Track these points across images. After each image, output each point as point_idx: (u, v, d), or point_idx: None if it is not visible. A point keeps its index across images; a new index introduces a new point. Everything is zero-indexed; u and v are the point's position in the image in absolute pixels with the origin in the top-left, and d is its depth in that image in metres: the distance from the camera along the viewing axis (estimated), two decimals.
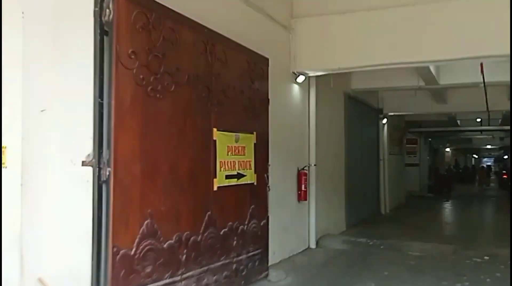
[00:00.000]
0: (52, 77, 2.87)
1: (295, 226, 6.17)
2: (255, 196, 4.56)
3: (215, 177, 3.92)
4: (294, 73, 6.19)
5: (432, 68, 7.43)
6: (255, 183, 4.57)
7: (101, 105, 2.96)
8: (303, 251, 6.36)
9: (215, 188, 3.91)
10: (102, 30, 3.01)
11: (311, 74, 6.36)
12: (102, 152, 2.95)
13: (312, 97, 6.69)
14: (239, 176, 4.29)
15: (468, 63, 6.45)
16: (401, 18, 5.48)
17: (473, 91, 9.15)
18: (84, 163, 2.95)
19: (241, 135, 4.33)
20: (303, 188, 6.20)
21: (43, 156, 2.79)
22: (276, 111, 5.37)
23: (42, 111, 2.85)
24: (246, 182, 4.41)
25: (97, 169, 2.93)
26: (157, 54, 3.32)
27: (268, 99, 4.93)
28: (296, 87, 6.30)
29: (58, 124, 2.87)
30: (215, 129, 3.95)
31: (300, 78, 6.28)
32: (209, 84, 3.90)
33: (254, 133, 4.60)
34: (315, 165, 6.59)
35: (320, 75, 6.54)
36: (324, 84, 7.06)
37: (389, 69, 7.91)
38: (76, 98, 2.97)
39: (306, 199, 6.28)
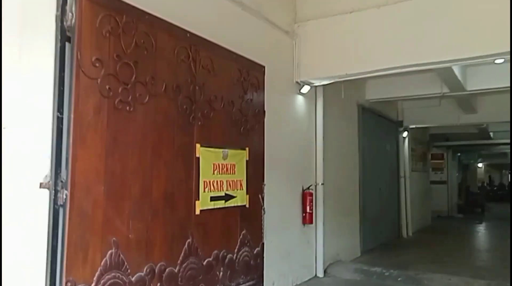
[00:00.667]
0: (17, 91, 2.73)
1: (300, 252, 5.91)
2: (247, 220, 4.33)
3: (198, 199, 3.72)
4: (298, 83, 5.99)
5: (457, 71, 6.90)
6: (247, 205, 4.35)
7: (60, 120, 2.81)
8: (308, 280, 6.08)
9: (197, 212, 3.71)
10: (63, 36, 2.87)
11: (316, 83, 6.14)
12: (60, 172, 2.78)
13: (319, 109, 6.47)
14: (227, 197, 4.08)
15: (501, 62, 5.63)
16: (417, 11, 5.12)
17: (507, 97, 8.54)
18: (42, 185, 2.79)
19: (230, 151, 4.13)
20: (308, 210, 5.94)
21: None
22: (276, 125, 5.20)
23: (3, 128, 2.71)
24: (236, 205, 4.19)
25: (53, 191, 2.76)
26: (128, 62, 3.17)
27: (264, 111, 4.73)
28: (300, 99, 6.10)
29: (19, 142, 2.72)
30: (198, 145, 3.76)
31: (305, 88, 6.08)
32: (191, 94, 3.72)
33: (247, 149, 4.40)
34: (322, 184, 6.34)
35: (328, 85, 6.31)
36: (334, 94, 6.86)
37: (407, 76, 7.67)
38: (38, 113, 2.81)
39: (312, 222, 6.01)
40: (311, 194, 6.01)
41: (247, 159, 4.40)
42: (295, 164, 5.83)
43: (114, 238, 3.00)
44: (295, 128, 5.90)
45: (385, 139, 9.89)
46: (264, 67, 4.75)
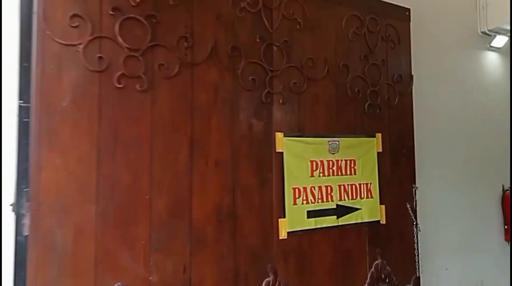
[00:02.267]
0: None
1: (502, 283, 3.83)
2: (383, 244, 2.73)
3: (282, 216, 2.35)
4: (485, 33, 3.93)
5: None
6: (382, 221, 2.73)
7: (24, 110, 1.86)
8: None
9: (282, 235, 2.34)
10: None
11: None
12: (24, 188, 1.83)
13: None
14: (342, 211, 2.58)
15: None
16: None
17: None
18: (13, 208, 1.89)
19: (343, 140, 2.62)
20: None
21: None
22: (443, 96, 3.46)
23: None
24: (360, 221, 2.64)
25: (15, 216, 1.82)
26: (136, 17, 2.04)
27: (411, 77, 3.00)
28: (491, 57, 4.03)
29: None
30: (279, 135, 2.39)
31: (499, 40, 4.01)
32: (264, 59, 2.39)
33: (378, 135, 2.78)
34: None
35: None
36: None
37: None
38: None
39: None
40: None
41: (380, 150, 2.77)
42: (483, 154, 3.81)
43: (118, 284, 1.90)
44: (481, 101, 3.88)
45: None
46: (408, 10, 3.03)
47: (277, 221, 2.34)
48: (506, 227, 3.85)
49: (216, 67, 2.24)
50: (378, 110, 2.81)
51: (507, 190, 3.88)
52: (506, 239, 3.86)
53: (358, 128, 2.71)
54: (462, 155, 3.59)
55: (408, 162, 2.91)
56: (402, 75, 2.96)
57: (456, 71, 3.66)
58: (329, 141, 2.57)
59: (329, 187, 2.54)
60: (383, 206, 2.75)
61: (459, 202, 3.53)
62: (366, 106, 2.76)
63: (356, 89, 2.72)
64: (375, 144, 2.76)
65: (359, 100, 2.74)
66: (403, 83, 2.96)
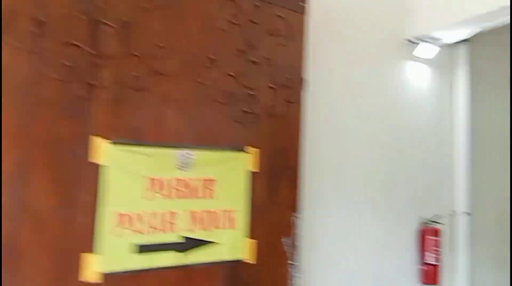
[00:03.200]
0: None
1: None
2: None
3: (91, 250, 1.83)
4: (410, 41, 3.60)
5: None
6: (250, 261, 2.26)
7: None
8: None
9: (88, 277, 1.82)
10: None
11: (446, 39, 3.64)
12: None
13: (460, 84, 3.93)
14: (189, 244, 2.09)
15: None
16: None
17: None
18: None
19: (201, 154, 2.13)
20: (431, 260, 3.46)
21: None
22: (355, 109, 3.06)
23: None
24: (216, 260, 2.15)
25: None
26: None
27: (301, 80, 2.58)
28: (418, 67, 3.68)
29: None
30: (100, 141, 1.88)
31: (426, 50, 3.66)
32: (90, 41, 1.89)
33: (252, 151, 2.32)
34: (468, 214, 3.74)
35: (478, 39, 3.75)
36: (498, 59, 4.18)
37: None
38: None
39: (436, 282, 3.47)
40: (435, 232, 3.49)
41: (256, 170, 2.30)
42: (401, 179, 3.41)
43: None
44: (402, 118, 3.50)
45: None
46: (303, 1, 2.61)
47: (78, 258, 1.82)
48: (422, 267, 3.45)
49: (7, 45, 1.72)
50: (255, 119, 2.36)
51: (426, 223, 3.50)
52: (423, 281, 3.46)
53: (223, 140, 2.24)
54: (372, 182, 3.19)
55: (291, 185, 2.46)
56: (292, 78, 2.53)
57: (371, 81, 3.28)
58: (178, 154, 2.08)
59: (173, 214, 2.04)
60: (254, 241, 2.28)
61: (365, 237, 3.11)
62: (238, 113, 2.30)
63: (225, 91, 2.26)
64: (246, 161, 2.30)
65: (228, 105, 2.27)
66: (293, 88, 2.53)
